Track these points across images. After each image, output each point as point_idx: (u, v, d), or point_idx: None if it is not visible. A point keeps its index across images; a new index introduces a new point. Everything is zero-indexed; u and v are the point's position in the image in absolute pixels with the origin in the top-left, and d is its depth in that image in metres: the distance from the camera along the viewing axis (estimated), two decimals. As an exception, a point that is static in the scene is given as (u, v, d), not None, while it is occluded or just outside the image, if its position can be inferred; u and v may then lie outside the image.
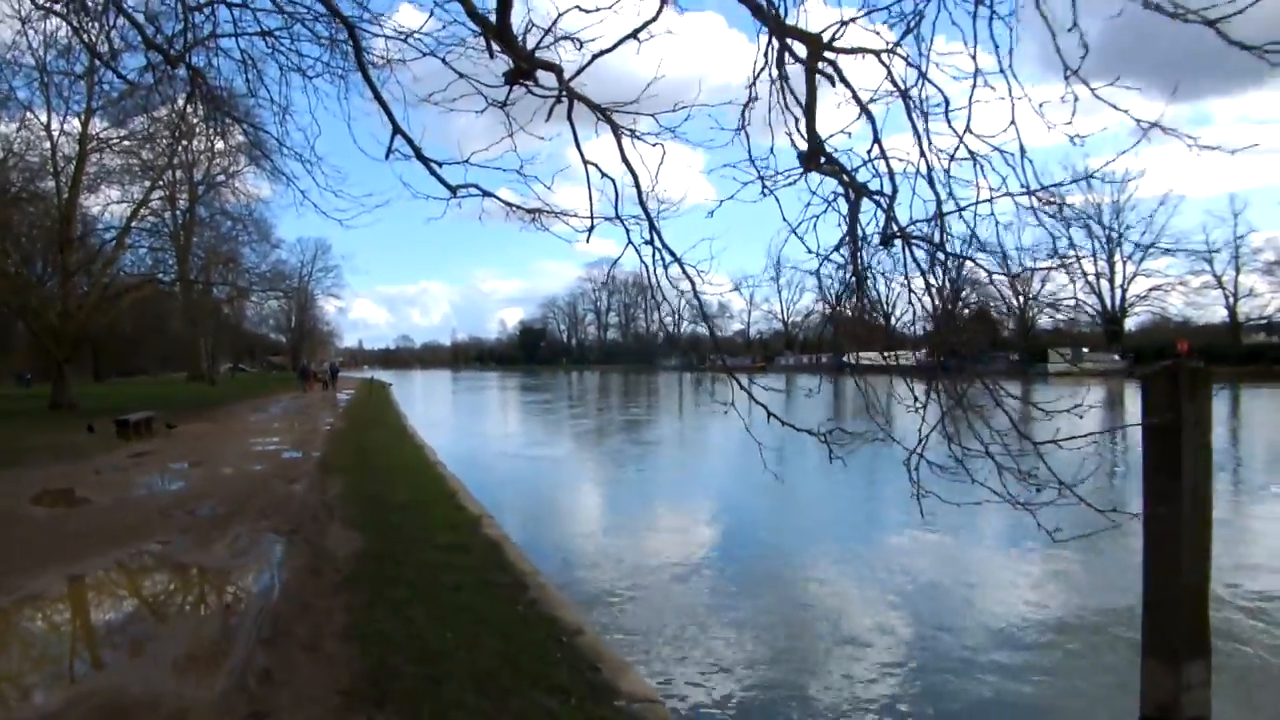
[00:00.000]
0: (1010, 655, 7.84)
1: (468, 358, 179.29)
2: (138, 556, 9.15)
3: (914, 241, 4.69)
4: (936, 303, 4.78)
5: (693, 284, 5.58)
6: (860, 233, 4.92)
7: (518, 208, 6.61)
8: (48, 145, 32.25)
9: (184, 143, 39.93)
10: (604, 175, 5.83)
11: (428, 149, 6.64)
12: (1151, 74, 4.84)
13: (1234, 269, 78.67)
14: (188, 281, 49.25)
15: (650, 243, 5.58)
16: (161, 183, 41.95)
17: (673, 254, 5.53)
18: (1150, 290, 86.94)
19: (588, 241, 6.17)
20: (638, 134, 5.72)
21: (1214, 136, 4.42)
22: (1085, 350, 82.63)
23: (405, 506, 11.71)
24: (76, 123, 32.58)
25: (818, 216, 5.56)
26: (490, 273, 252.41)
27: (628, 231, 5.85)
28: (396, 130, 6.58)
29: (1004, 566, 10.91)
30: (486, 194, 6.47)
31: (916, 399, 5.09)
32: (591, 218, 5.93)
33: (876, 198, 4.76)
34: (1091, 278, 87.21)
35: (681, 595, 9.86)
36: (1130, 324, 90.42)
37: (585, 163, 5.76)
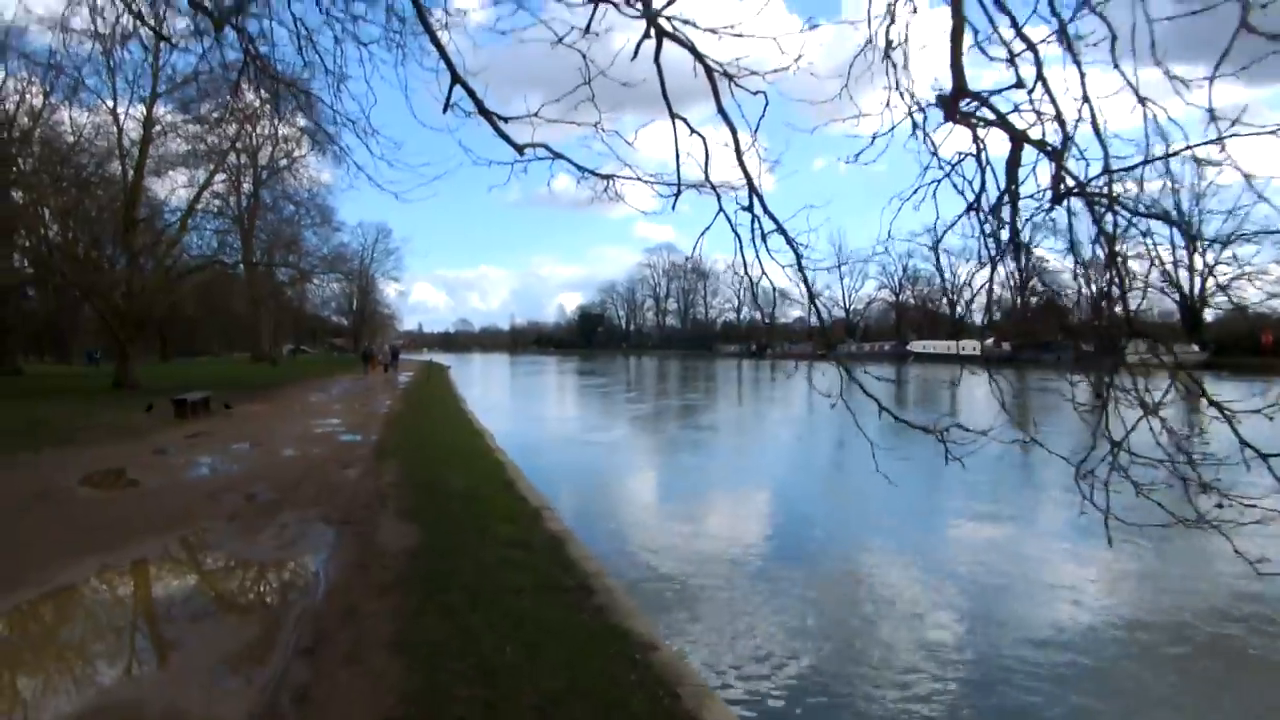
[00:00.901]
0: None
1: (526, 342, 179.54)
2: (178, 546, 8.59)
3: (1096, 200, 3.80)
4: (1119, 274, 3.88)
5: (797, 255, 4.75)
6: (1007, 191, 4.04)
7: (590, 172, 5.81)
8: (114, 130, 32.37)
9: (247, 127, 40.41)
10: (693, 132, 5.02)
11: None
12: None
13: (1315, 258, 74.92)
14: (251, 264, 49.55)
15: (749, 208, 4.75)
16: (225, 167, 42.26)
17: (775, 221, 4.71)
18: (1232, 279, 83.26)
19: (674, 208, 5.38)
20: (737, 80, 4.89)
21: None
22: (1158, 342, 79.63)
23: (462, 495, 11.06)
24: (143, 108, 32.71)
25: (937, 181, 4.75)
26: (548, 258, 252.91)
27: (719, 197, 5.05)
28: (456, 79, 5.83)
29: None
30: (556, 155, 5.69)
31: (1077, 397, 4.17)
32: (679, 182, 5.12)
33: (1044, 148, 3.87)
34: (1169, 265, 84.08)
35: (748, 592, 9.16)
36: (1208, 315, 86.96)
37: (673, 116, 4.96)
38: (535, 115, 5.46)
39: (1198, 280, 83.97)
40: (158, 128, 32.75)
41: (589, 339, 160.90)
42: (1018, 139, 3.93)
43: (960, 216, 4.73)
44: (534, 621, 6.12)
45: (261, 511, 9.99)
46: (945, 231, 5.11)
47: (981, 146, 4.41)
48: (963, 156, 4.74)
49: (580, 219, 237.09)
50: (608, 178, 5.80)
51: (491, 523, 9.40)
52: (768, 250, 4.86)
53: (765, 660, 7.28)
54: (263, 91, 10.46)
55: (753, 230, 4.77)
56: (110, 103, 31.87)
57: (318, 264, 50.02)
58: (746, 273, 5.25)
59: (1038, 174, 4.46)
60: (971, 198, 4.81)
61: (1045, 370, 66.28)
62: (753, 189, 4.70)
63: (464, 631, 5.81)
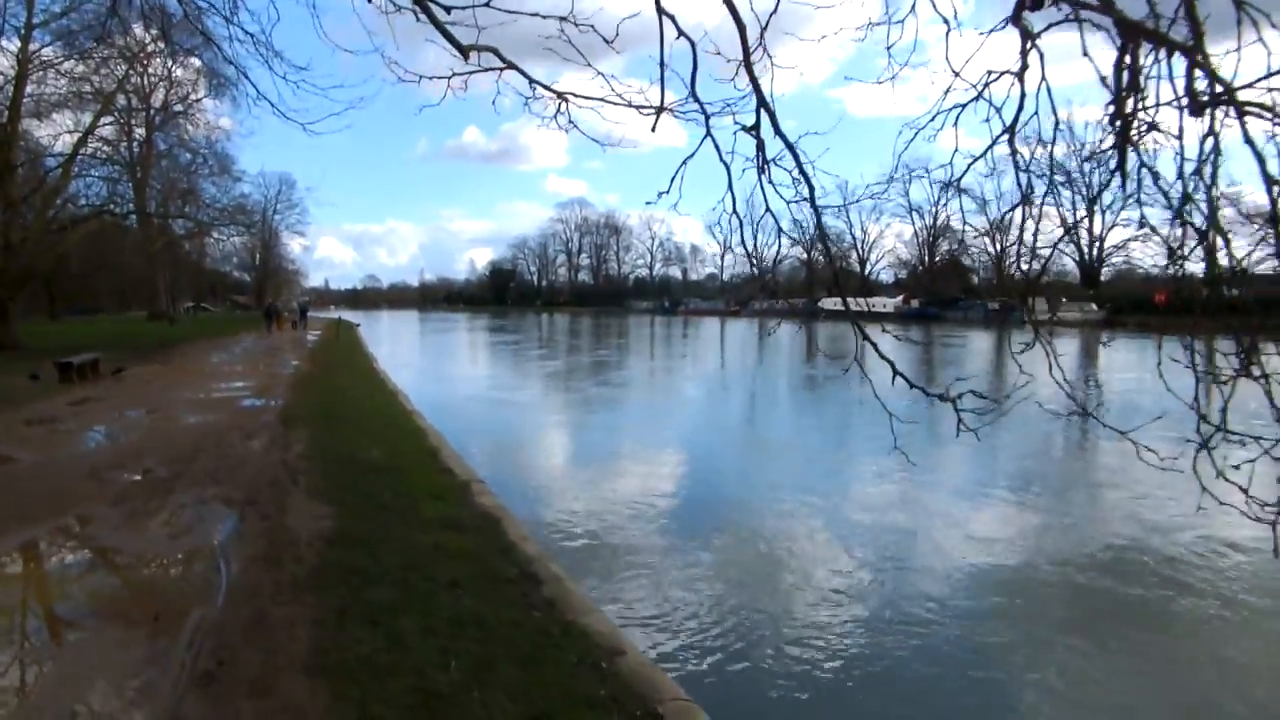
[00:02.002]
0: None
1: (435, 298, 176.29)
2: (50, 538, 7.41)
3: (1250, 109, 3.02)
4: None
5: (810, 187, 3.90)
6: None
7: (544, 87, 4.84)
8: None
9: (136, 66, 37.70)
10: (680, 33, 4.11)
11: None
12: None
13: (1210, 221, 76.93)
14: (145, 215, 46.70)
15: (754, 128, 3.88)
16: (114, 109, 39.53)
17: (789, 144, 3.85)
18: (1127, 240, 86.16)
19: (654, 130, 4.44)
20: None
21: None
22: (1063, 300, 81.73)
23: (381, 468, 10.06)
24: (18, 42, 30.04)
25: (961, 106, 4.01)
26: (457, 213, 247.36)
27: (707, 118, 4.17)
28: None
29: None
30: (508, 64, 4.69)
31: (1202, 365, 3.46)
32: (662, 98, 4.21)
33: (1168, 43, 3.08)
34: (1071, 227, 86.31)
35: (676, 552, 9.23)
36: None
37: (661, 12, 4.03)
38: (487, 4, 4.45)
39: (1094, 243, 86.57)
40: (34, 64, 30.11)
41: (500, 296, 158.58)
42: (1135, 33, 3.13)
43: (997, 140, 3.98)
44: (478, 624, 5.26)
45: (153, 491, 8.82)
46: (969, 166, 4.37)
47: (1040, 56, 3.64)
48: (996, 75, 3.98)
49: (490, 173, 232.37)
50: (561, 95, 4.83)
51: (417, 500, 8.46)
52: (771, 184, 4.01)
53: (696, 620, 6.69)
54: (149, 23, 9.18)
55: (758, 158, 3.91)
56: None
57: (217, 216, 47.39)
58: (735, 212, 4.40)
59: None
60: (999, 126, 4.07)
61: (950, 326, 67.90)
62: (762, 103, 3.83)
63: (396, 642, 4.91)
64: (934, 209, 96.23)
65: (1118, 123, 3.33)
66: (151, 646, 4.96)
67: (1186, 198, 3.46)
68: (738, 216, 4.44)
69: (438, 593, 5.80)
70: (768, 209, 4.06)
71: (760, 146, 3.92)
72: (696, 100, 4.17)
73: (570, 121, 5.19)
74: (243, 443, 11.78)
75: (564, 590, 6.17)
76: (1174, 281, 3.64)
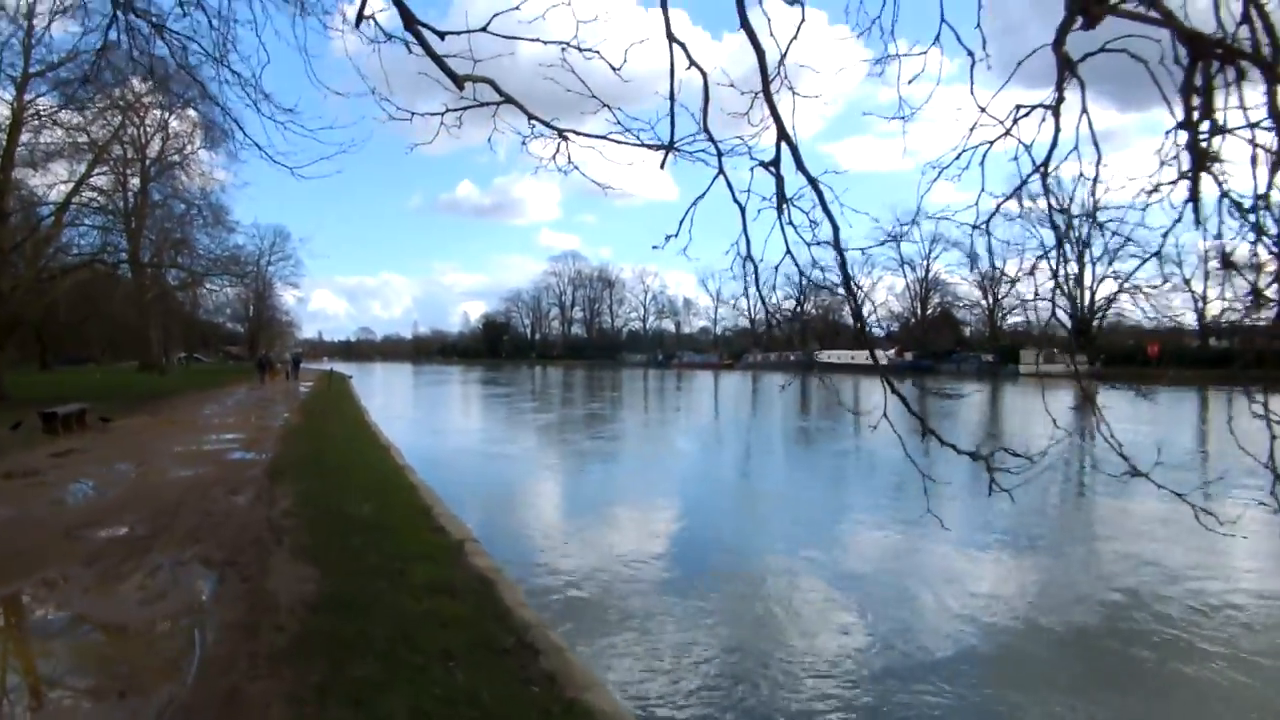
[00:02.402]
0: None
1: (429, 351, 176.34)
2: (13, 605, 6.95)
3: None
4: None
5: (835, 228, 3.56)
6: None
7: (544, 123, 4.52)
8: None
9: (133, 117, 37.76)
10: (691, 63, 3.80)
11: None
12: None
13: (1203, 273, 76.97)
14: (138, 264, 46.52)
15: (773, 164, 3.56)
16: (109, 159, 39.54)
17: (811, 179, 3.53)
18: (1118, 292, 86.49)
19: (661, 168, 4.13)
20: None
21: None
22: (1055, 351, 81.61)
23: (370, 526, 9.60)
24: (14, 90, 29.99)
25: (990, 143, 3.73)
26: (451, 265, 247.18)
27: (720, 155, 3.85)
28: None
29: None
30: (505, 98, 4.38)
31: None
32: (672, 132, 3.89)
33: (1239, 56, 2.77)
34: (1063, 279, 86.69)
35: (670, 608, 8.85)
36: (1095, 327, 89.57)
37: (671, 40, 3.72)
38: (484, 29, 4.13)
39: (1086, 294, 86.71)
40: (29, 113, 30.00)
41: (494, 348, 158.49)
42: (1203, 46, 2.82)
43: (1028, 178, 3.68)
44: (473, 704, 4.82)
45: (129, 551, 8.35)
46: (1000, 205, 4.08)
47: (1080, 86, 3.35)
48: (1028, 110, 3.70)
49: (483, 226, 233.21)
50: (563, 133, 4.51)
51: (407, 562, 8.00)
52: (791, 224, 3.67)
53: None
54: (138, 66, 8.96)
55: (777, 196, 3.58)
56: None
57: (210, 266, 47.25)
58: (749, 256, 4.06)
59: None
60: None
61: (945, 379, 67.69)
62: (783, 135, 3.51)
63: (383, 727, 4.47)
64: (925, 262, 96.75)
65: (1189, 150, 3.00)
66: (111, 731, 4.51)
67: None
68: (752, 261, 4.10)
69: (429, 666, 5.35)
70: (787, 252, 3.72)
71: (780, 183, 3.60)
72: (708, 135, 3.86)
73: (570, 161, 4.88)
74: (227, 498, 11.31)
75: (564, 662, 5.73)
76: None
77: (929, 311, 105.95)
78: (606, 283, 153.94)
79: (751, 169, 3.69)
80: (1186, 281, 75.62)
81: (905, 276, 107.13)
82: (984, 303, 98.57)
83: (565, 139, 4.52)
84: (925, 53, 3.90)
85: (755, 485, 18.82)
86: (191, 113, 39.50)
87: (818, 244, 3.69)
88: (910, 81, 3.85)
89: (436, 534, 9.61)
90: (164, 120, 43.29)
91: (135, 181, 48.32)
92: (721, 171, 3.82)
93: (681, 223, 4.02)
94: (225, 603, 6.64)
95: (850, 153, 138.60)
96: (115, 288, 52.42)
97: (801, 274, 3.81)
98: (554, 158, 4.87)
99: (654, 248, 4.25)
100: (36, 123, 31.33)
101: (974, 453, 4.22)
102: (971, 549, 11.46)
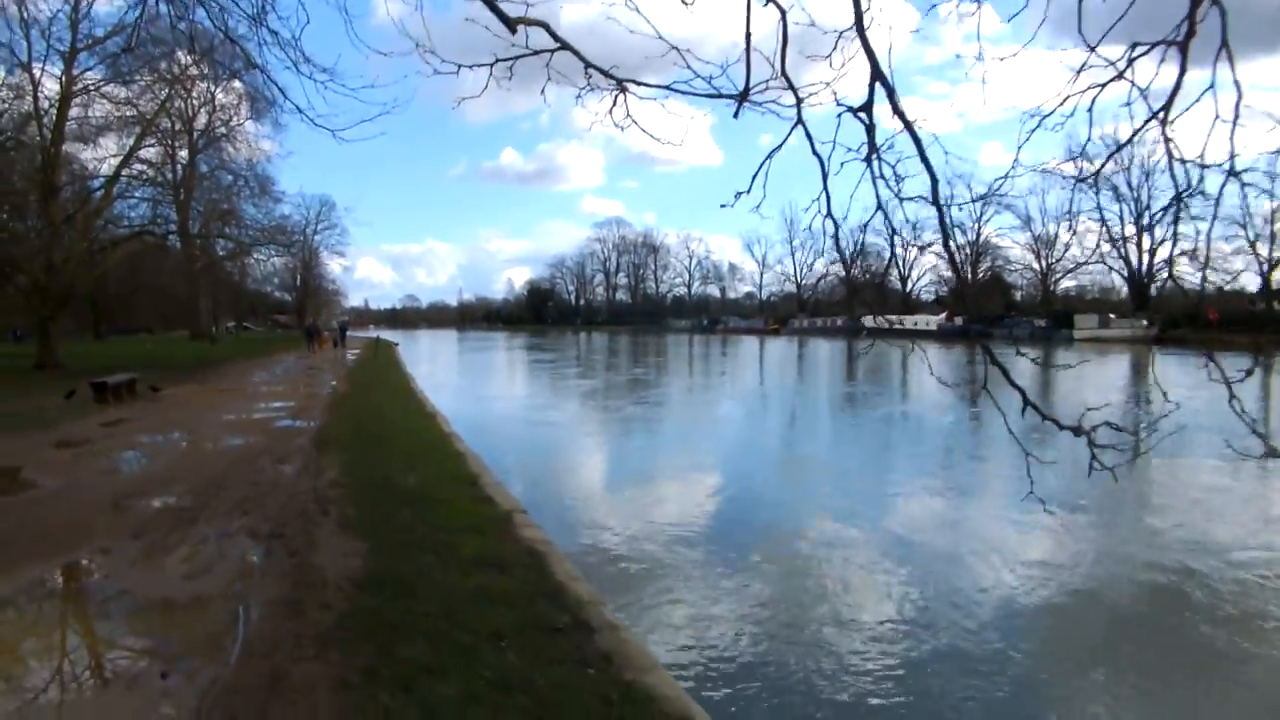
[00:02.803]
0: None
1: (474, 318, 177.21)
2: (58, 578, 6.81)
3: None
4: None
5: (934, 180, 3.19)
6: None
7: (602, 72, 4.17)
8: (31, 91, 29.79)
9: (180, 89, 37.98)
10: (768, 2, 3.42)
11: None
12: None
13: (1269, 236, 74.12)
14: (187, 235, 46.99)
15: (865, 108, 3.18)
16: (157, 132, 39.87)
17: (908, 124, 3.14)
18: (1179, 254, 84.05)
19: (735, 117, 3.74)
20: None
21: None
22: (1112, 316, 79.65)
23: (417, 497, 9.40)
24: (62, 65, 30.17)
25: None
26: (495, 233, 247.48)
27: (799, 101, 3.48)
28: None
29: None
30: (560, 44, 4.03)
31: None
32: (748, 76, 3.51)
33: None
34: (1119, 241, 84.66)
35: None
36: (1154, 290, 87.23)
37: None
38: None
39: (1145, 256, 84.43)
40: (79, 86, 30.18)
41: (538, 314, 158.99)
42: None
43: (1146, 124, 3.26)
44: (527, 689, 4.57)
45: (176, 523, 8.23)
46: (1113, 153, 3.66)
47: (1221, 13, 2.93)
48: (1148, 47, 3.28)
49: (527, 193, 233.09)
50: (622, 83, 4.15)
51: (455, 535, 7.79)
52: (882, 177, 3.29)
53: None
54: (185, 41, 8.75)
55: (869, 144, 3.20)
56: (25, 59, 29.29)
57: (257, 236, 47.50)
58: (829, 214, 3.69)
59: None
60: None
61: (997, 344, 66.57)
62: (878, 75, 3.13)
63: (432, 715, 4.23)
64: (976, 225, 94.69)
65: None
66: (154, 712, 4.32)
67: None
68: (833, 220, 3.73)
69: (480, 648, 5.11)
70: (880, 207, 3.34)
71: (871, 131, 3.21)
72: (786, 80, 3.48)
73: (628, 115, 4.52)
74: (274, 467, 11.21)
75: (621, 642, 5.47)
76: None
77: (979, 276, 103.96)
78: (651, 248, 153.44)
79: (839, 115, 3.32)
80: (1252, 244, 73.71)
81: (953, 240, 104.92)
82: (1035, 266, 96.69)
83: (624, 90, 4.16)
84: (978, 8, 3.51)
85: (804, 452, 18.41)
86: (237, 84, 39.79)
87: (910, 199, 3.32)
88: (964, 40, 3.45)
89: (484, 504, 9.38)
90: (210, 93, 43.61)
91: (183, 154, 48.91)
92: (800, 121, 3.46)
93: (755, 178, 3.68)
94: (271, 578, 6.46)
95: (894, 122, 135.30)
96: (165, 259, 52.94)
97: (894, 232, 3.44)
98: (610, 113, 4.53)
99: (722, 205, 3.91)
100: (85, 97, 31.59)
101: (1075, 428, 3.84)
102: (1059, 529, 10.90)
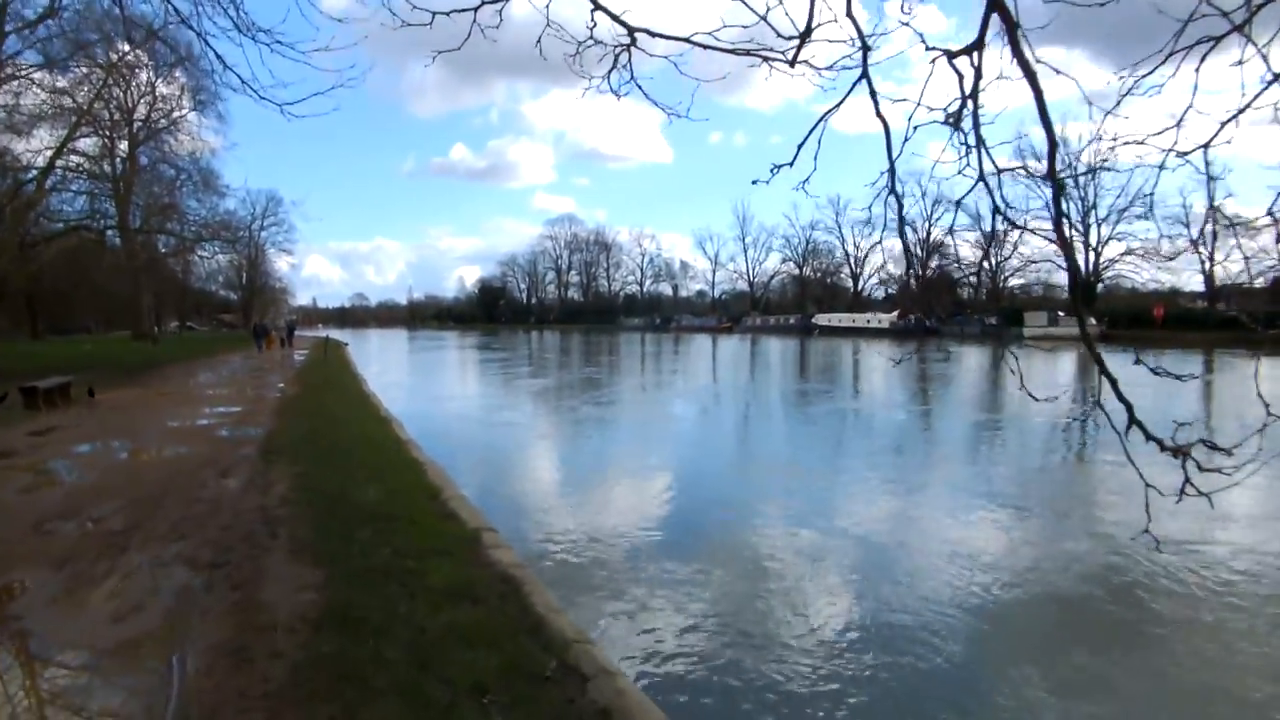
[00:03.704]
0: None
1: (424, 317, 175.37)
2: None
3: None
4: None
5: (1051, 140, 2.55)
6: None
7: (612, 17, 3.46)
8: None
9: (117, 78, 36.53)
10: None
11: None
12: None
13: (1210, 236, 75.28)
14: (127, 230, 45.28)
15: (970, 50, 2.52)
16: (95, 123, 38.43)
17: (1028, 70, 2.49)
18: (1124, 254, 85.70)
19: (792, 65, 3.05)
20: None
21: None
22: (1060, 314, 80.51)
23: (376, 515, 8.58)
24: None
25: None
26: (446, 230, 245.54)
27: (866, 49, 2.81)
28: None
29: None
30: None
31: None
32: (809, 24, 2.84)
33: None
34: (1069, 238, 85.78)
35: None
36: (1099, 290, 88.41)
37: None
38: None
39: (1091, 255, 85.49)
40: (7, 72, 28.69)
41: (490, 313, 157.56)
42: None
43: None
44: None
45: (104, 549, 7.35)
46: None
47: None
48: None
49: (477, 190, 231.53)
50: (633, 32, 3.44)
51: (421, 559, 7.02)
52: (974, 145, 2.64)
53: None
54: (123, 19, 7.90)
55: (971, 97, 2.55)
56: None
57: (201, 232, 46.04)
58: (893, 189, 3.04)
59: None
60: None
61: (949, 342, 66.61)
62: (996, 5, 2.46)
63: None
64: (926, 224, 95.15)
65: None
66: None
67: None
68: (897, 197, 3.08)
69: (458, 705, 4.40)
70: (981, 179, 2.69)
71: (976, 81, 2.55)
72: (853, 21, 2.81)
73: (632, 79, 3.83)
74: (217, 481, 10.33)
75: (619, 694, 4.77)
76: None
77: (928, 274, 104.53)
78: (603, 246, 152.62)
79: (933, 61, 2.65)
80: (1194, 243, 74.62)
81: (904, 238, 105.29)
82: (985, 265, 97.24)
83: (634, 41, 3.47)
84: None
85: (771, 451, 17.85)
86: (179, 75, 38.42)
87: (1000, 171, 2.66)
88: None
89: (449, 521, 8.62)
90: (151, 84, 42.15)
91: (123, 146, 47.12)
92: (865, 74, 2.80)
93: (801, 146, 3.02)
94: (211, 618, 5.65)
95: (846, 118, 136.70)
96: (104, 255, 51.20)
97: (996, 210, 2.78)
98: (608, 77, 3.84)
99: (753, 182, 3.24)
100: (16, 84, 30.15)
101: (1174, 448, 3.23)
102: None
